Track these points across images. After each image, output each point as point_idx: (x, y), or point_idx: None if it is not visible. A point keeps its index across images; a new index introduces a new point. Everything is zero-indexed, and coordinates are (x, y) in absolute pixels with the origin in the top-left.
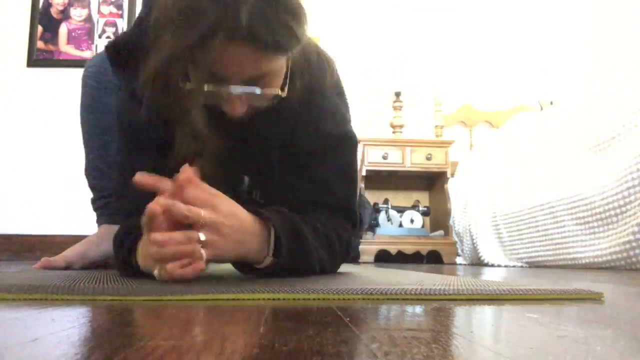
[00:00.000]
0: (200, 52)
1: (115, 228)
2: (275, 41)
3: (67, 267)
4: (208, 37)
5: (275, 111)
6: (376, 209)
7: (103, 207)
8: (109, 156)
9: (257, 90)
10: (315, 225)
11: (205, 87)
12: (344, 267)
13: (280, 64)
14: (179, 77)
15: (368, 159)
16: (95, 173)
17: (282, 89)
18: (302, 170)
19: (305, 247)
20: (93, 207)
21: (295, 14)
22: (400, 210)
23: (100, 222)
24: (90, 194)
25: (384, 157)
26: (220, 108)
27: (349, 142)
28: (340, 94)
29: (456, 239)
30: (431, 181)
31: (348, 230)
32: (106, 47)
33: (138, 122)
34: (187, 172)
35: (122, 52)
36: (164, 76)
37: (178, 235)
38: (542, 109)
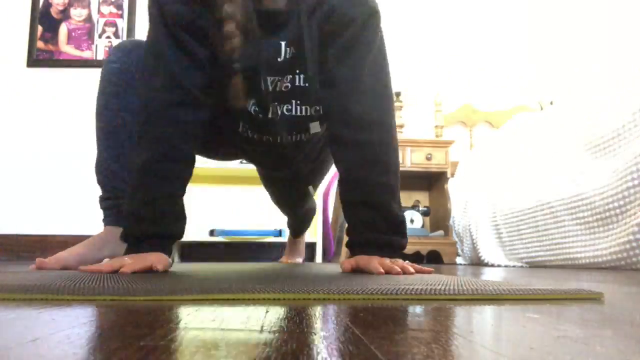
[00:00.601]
0: None
1: (119, 231)
2: None
3: (64, 269)
4: None
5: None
6: None
7: (111, 207)
8: (124, 156)
9: None
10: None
11: None
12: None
13: None
14: None
15: None
16: (106, 172)
17: None
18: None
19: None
20: (101, 205)
21: None
22: None
23: (106, 222)
24: (98, 190)
25: None
26: None
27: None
28: None
29: (456, 239)
30: (431, 181)
31: (385, 143)
32: None
33: (183, 12)
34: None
35: None
36: None
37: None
38: (542, 109)
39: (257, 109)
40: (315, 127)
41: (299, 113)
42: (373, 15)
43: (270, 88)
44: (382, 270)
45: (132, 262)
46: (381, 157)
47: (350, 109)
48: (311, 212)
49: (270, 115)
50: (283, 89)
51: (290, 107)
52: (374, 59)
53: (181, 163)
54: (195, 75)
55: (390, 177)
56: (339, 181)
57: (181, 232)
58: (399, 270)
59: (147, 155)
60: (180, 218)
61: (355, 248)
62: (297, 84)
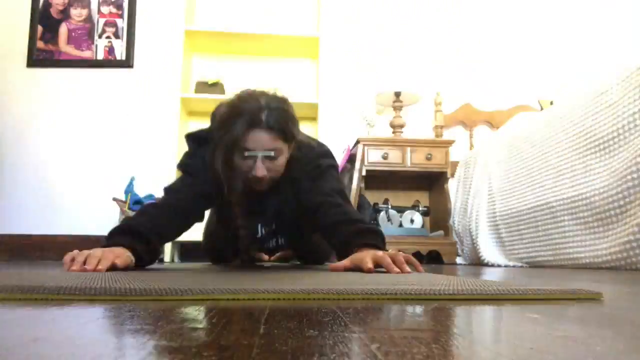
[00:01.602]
0: (241, 138)
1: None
2: (281, 130)
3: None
4: (246, 129)
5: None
6: (376, 209)
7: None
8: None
9: (272, 153)
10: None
11: (245, 153)
12: None
13: (284, 146)
14: (230, 154)
15: (368, 159)
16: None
17: (286, 158)
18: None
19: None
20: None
21: (292, 120)
22: (400, 210)
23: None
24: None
25: (384, 157)
26: (250, 178)
27: (332, 168)
28: (325, 153)
29: (456, 239)
30: (431, 181)
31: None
32: (188, 135)
33: (200, 166)
34: None
35: (199, 137)
36: (223, 152)
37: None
38: (542, 109)
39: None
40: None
41: (281, 247)
42: (331, 166)
43: (259, 235)
44: (370, 267)
45: (101, 259)
46: (339, 207)
47: (318, 200)
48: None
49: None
50: (271, 245)
51: (275, 247)
52: (332, 184)
53: (181, 212)
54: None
55: (348, 208)
56: (322, 232)
57: (155, 249)
58: (389, 261)
59: (157, 202)
60: (157, 241)
61: (345, 248)
62: (279, 243)
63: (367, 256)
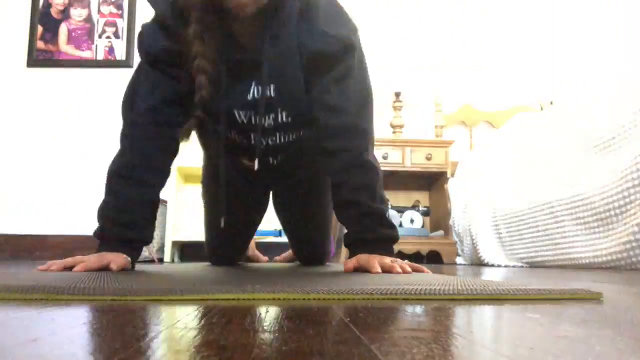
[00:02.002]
0: None
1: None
2: None
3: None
4: None
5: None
6: None
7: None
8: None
9: None
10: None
11: None
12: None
13: None
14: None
15: None
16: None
17: None
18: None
19: None
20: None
21: None
22: (400, 210)
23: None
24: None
25: (384, 157)
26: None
27: (351, 52)
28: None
29: (456, 239)
30: (431, 181)
31: (361, 149)
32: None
33: (162, 49)
34: None
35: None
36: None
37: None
38: (542, 109)
39: (240, 137)
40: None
41: (283, 141)
42: (349, 50)
43: (245, 121)
44: (379, 270)
45: (86, 262)
46: (358, 161)
47: (336, 125)
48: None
49: (252, 142)
50: (266, 125)
51: (274, 138)
52: (355, 82)
53: (154, 171)
54: (165, 91)
55: (367, 177)
56: (338, 190)
57: (147, 238)
58: (399, 269)
59: (122, 161)
60: (146, 225)
61: (352, 248)
62: (280, 121)
63: (374, 260)
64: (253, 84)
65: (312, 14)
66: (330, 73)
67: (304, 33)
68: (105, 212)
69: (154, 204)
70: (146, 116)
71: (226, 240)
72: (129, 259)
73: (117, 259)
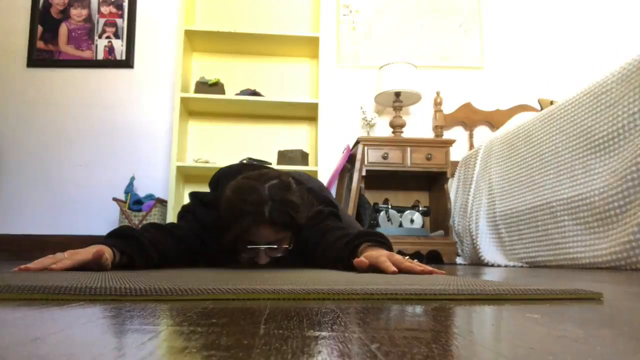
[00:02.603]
0: (247, 233)
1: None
2: (284, 224)
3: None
4: (250, 225)
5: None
6: (376, 209)
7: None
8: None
9: (275, 246)
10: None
11: (248, 246)
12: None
13: (287, 234)
14: (235, 246)
15: (368, 159)
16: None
17: (289, 245)
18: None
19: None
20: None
21: (295, 209)
22: (400, 210)
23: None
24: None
25: (384, 157)
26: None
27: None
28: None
29: (456, 239)
30: (431, 181)
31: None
32: (193, 193)
33: (205, 224)
34: None
35: (202, 200)
36: (227, 244)
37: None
38: (542, 109)
39: None
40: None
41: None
42: (330, 212)
43: None
44: (395, 269)
45: (66, 258)
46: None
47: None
48: None
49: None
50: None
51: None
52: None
53: (175, 250)
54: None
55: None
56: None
57: (148, 256)
58: (410, 265)
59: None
60: (150, 255)
61: (348, 253)
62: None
63: (384, 256)
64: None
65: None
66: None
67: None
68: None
69: (162, 255)
70: (184, 243)
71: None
72: (109, 256)
73: (97, 250)
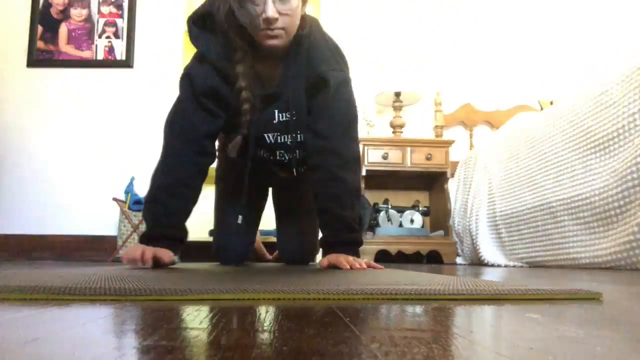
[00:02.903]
0: None
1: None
2: None
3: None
4: None
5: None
6: (376, 209)
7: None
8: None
9: None
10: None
11: None
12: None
13: (296, 3)
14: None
15: (368, 159)
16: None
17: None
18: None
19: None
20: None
21: None
22: (400, 210)
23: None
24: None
25: (384, 157)
26: (262, 28)
27: (343, 84)
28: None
29: (456, 239)
30: (431, 181)
31: (333, 167)
32: (189, 17)
33: (210, 88)
34: None
35: (200, 19)
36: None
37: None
38: (542, 109)
39: (267, 154)
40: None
41: (300, 156)
42: (343, 82)
43: (273, 141)
44: (348, 267)
45: (149, 251)
46: (329, 176)
47: (316, 147)
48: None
49: (278, 158)
50: (288, 143)
51: (294, 154)
52: (340, 112)
53: (193, 189)
54: (209, 127)
55: (336, 189)
56: (316, 198)
57: (185, 237)
58: (363, 266)
59: (166, 180)
60: (185, 228)
61: (324, 248)
62: (298, 140)
63: (342, 258)
64: (276, 111)
65: (314, 54)
66: (321, 102)
67: (308, 68)
68: (156, 217)
69: (189, 212)
70: (190, 147)
71: (237, 236)
72: (175, 257)
73: (167, 254)
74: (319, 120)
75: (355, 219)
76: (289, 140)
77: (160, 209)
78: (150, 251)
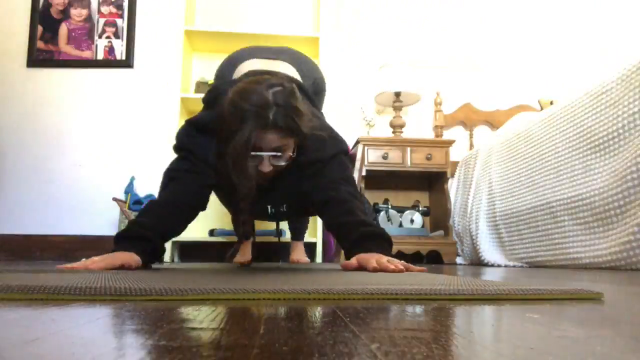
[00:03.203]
0: (251, 137)
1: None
2: (288, 128)
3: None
4: (253, 130)
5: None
6: (376, 209)
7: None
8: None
9: (279, 154)
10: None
11: (252, 153)
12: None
13: (291, 141)
14: (240, 158)
15: (368, 159)
16: (132, 222)
17: (293, 153)
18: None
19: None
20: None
21: (299, 115)
22: (400, 210)
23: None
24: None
25: (384, 157)
26: (257, 171)
27: (339, 155)
28: (334, 140)
29: (456, 239)
30: (431, 181)
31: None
32: (189, 120)
33: (204, 152)
34: None
35: (201, 127)
36: (233, 157)
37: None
38: (542, 109)
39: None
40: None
41: (288, 210)
42: (336, 155)
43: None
44: (375, 265)
45: (100, 260)
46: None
47: (333, 199)
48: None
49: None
50: (276, 215)
51: (280, 217)
52: (335, 170)
53: (185, 208)
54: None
55: (352, 205)
56: (327, 226)
57: (159, 250)
58: (394, 268)
59: (161, 197)
60: (162, 236)
61: (353, 250)
62: (282, 210)
63: (372, 259)
64: (269, 207)
65: (306, 147)
66: (318, 177)
67: (301, 159)
68: (134, 221)
69: (169, 235)
70: (184, 197)
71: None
72: (139, 260)
73: (130, 258)
74: (314, 193)
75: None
76: (282, 209)
77: (146, 216)
78: (109, 261)
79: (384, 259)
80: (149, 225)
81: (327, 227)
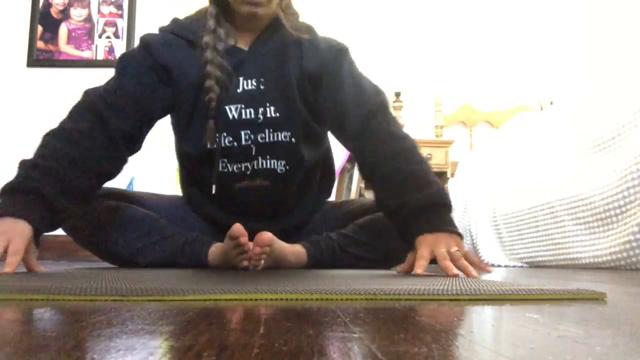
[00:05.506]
0: None
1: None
2: None
3: None
4: None
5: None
6: None
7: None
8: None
9: None
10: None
11: None
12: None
13: None
14: None
15: None
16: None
17: None
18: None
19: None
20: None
21: None
22: None
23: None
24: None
25: None
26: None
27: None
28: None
29: None
30: None
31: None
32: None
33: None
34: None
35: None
36: None
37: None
38: (542, 109)
39: (230, 139)
40: (307, 154)
41: (273, 140)
42: (340, 53)
43: (236, 116)
44: (456, 272)
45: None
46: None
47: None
48: None
49: (243, 143)
50: (258, 120)
51: (264, 135)
52: (350, 84)
53: (100, 157)
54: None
55: (416, 154)
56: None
57: (63, 212)
58: (474, 274)
59: (71, 148)
60: (65, 201)
61: (412, 233)
62: (268, 115)
63: (442, 248)
64: (241, 79)
65: (307, 39)
66: (328, 80)
67: (301, 52)
68: (24, 165)
69: (76, 192)
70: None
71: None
72: (30, 232)
73: (12, 236)
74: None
75: (432, 175)
76: (258, 115)
77: (47, 159)
78: None
79: (453, 250)
80: (46, 177)
81: (367, 179)
